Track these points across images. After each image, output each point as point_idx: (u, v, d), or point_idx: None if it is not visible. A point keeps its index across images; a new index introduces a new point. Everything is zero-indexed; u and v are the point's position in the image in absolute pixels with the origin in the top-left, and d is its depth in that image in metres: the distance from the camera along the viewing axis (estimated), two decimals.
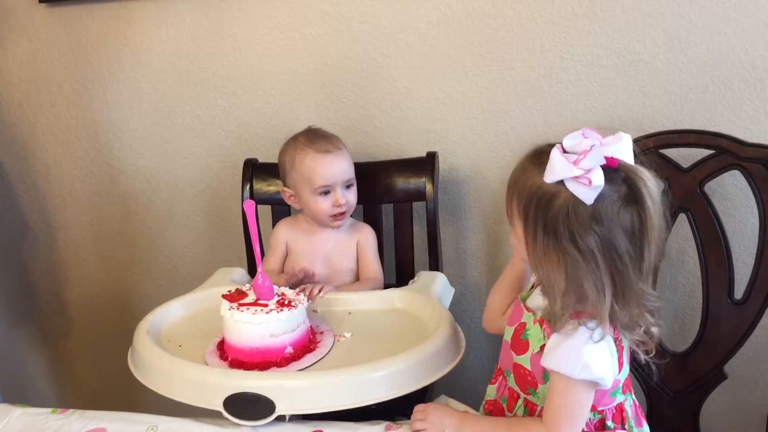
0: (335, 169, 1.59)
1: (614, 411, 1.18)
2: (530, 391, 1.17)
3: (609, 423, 1.17)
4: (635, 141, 1.56)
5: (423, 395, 1.32)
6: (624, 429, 1.17)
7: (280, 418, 1.19)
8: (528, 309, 1.18)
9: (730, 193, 1.63)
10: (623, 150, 1.04)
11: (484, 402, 1.29)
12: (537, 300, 1.17)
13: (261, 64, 1.85)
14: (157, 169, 2.00)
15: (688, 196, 1.55)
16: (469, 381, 1.65)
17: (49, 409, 1.27)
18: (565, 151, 1.04)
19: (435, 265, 1.73)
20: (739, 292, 1.54)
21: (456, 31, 1.71)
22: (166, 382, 1.26)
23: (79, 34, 1.92)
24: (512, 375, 1.20)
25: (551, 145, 1.07)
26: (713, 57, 1.59)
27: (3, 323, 2.26)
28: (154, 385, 1.27)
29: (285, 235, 1.69)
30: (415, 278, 1.61)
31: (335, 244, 1.66)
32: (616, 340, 1.10)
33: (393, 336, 1.38)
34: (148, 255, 2.09)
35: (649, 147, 1.56)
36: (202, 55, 1.87)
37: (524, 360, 1.17)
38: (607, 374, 1.08)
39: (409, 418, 1.19)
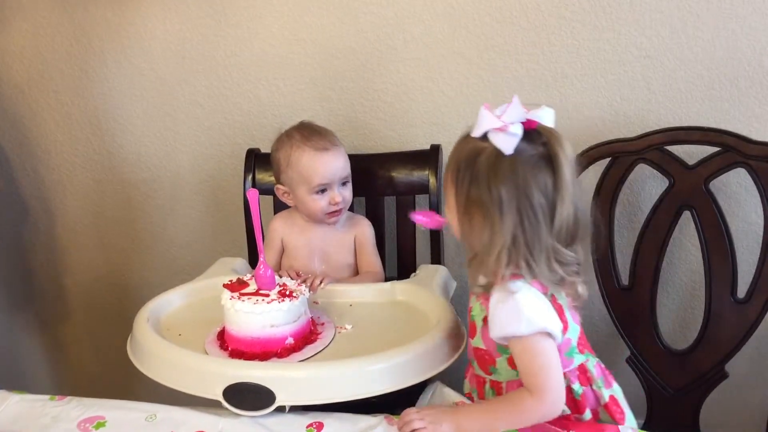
0: (333, 167, 1.56)
1: (578, 372, 1.18)
2: (492, 370, 1.19)
3: (575, 386, 1.17)
4: (641, 137, 1.58)
5: (423, 389, 1.31)
6: (592, 389, 1.19)
7: (280, 409, 1.18)
8: (473, 293, 1.22)
9: (735, 191, 1.63)
10: (545, 117, 1.11)
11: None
12: (478, 282, 1.20)
13: (265, 54, 1.84)
14: (158, 157, 1.99)
15: (693, 194, 1.54)
16: None
17: (47, 396, 1.26)
18: None
19: (437, 258, 1.73)
20: (741, 291, 1.54)
21: (462, 23, 1.70)
22: (165, 370, 1.25)
23: (82, 19, 1.91)
24: (475, 360, 1.22)
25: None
26: (720, 54, 1.58)
27: (2, 309, 2.25)
28: (154, 374, 1.26)
29: (281, 230, 1.67)
30: (417, 271, 1.60)
31: (332, 239, 1.65)
32: (546, 294, 1.13)
33: (394, 328, 1.37)
34: (148, 243, 2.08)
35: (655, 143, 1.56)
36: (205, 43, 1.86)
37: (477, 341, 1.19)
38: (550, 322, 1.11)
39: None
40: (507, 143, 1.07)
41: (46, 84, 1.99)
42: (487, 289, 1.15)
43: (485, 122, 1.09)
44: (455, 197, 1.14)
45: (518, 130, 1.07)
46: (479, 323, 1.19)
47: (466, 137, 1.14)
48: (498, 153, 1.07)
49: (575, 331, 1.18)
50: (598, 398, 1.19)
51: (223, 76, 1.88)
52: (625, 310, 1.61)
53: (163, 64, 1.90)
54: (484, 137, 1.09)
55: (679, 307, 1.75)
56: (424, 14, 1.71)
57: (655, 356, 1.61)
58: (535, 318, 1.09)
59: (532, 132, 1.09)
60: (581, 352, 1.19)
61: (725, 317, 1.54)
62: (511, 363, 1.15)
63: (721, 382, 1.57)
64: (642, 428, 1.20)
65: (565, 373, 1.16)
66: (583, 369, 1.19)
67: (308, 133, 1.59)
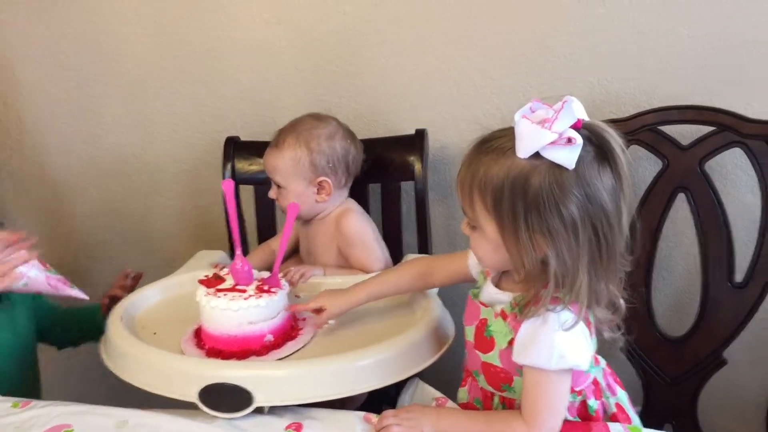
0: (266, 163, 1.56)
1: (593, 387, 1.13)
2: (505, 388, 1.11)
3: (591, 402, 1.12)
4: (633, 117, 1.52)
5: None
6: (602, 402, 1.13)
7: (259, 410, 1.13)
8: (484, 304, 1.12)
9: (731, 172, 1.58)
10: (579, 111, 0.98)
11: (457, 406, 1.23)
12: (489, 292, 1.11)
13: (245, 39, 1.78)
14: (136, 147, 1.94)
15: (688, 175, 1.50)
16: (456, 368, 1.59)
17: (10, 403, 1.20)
18: None
19: (424, 246, 1.68)
20: (739, 275, 1.50)
21: (448, 2, 1.64)
22: (138, 372, 1.20)
23: (49, 5, 1.85)
24: (482, 375, 1.13)
25: (494, 132, 1.02)
26: (715, 31, 1.53)
27: None
28: (127, 376, 1.20)
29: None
30: (403, 261, 1.54)
31: (315, 237, 1.60)
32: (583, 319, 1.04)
33: (378, 323, 1.33)
34: (127, 236, 2.03)
35: (647, 123, 1.50)
36: (182, 29, 1.81)
37: (492, 358, 1.10)
38: (583, 358, 1.02)
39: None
40: (570, 157, 0.94)
41: (20, 75, 1.93)
42: (521, 311, 1.03)
43: (534, 138, 0.95)
44: (500, 229, 0.99)
45: (579, 138, 0.94)
46: (501, 343, 1.08)
47: (491, 154, 0.99)
48: (556, 168, 0.95)
49: (595, 345, 1.09)
50: (606, 410, 1.14)
51: (201, 62, 1.82)
52: None
53: (138, 51, 1.85)
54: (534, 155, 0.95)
55: (675, 292, 1.70)
56: None
57: (650, 344, 1.57)
58: (569, 355, 1.00)
59: (576, 131, 0.95)
60: (596, 363, 1.13)
61: (722, 302, 1.50)
62: None
63: (719, 369, 1.54)
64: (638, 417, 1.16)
65: (581, 390, 1.10)
66: (595, 382, 1.13)
67: (288, 124, 1.56)
